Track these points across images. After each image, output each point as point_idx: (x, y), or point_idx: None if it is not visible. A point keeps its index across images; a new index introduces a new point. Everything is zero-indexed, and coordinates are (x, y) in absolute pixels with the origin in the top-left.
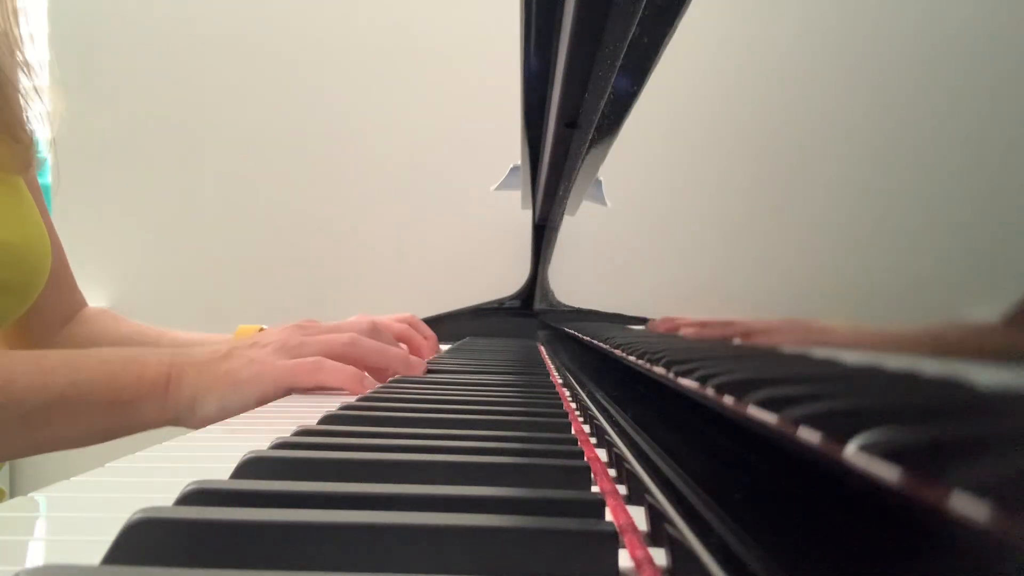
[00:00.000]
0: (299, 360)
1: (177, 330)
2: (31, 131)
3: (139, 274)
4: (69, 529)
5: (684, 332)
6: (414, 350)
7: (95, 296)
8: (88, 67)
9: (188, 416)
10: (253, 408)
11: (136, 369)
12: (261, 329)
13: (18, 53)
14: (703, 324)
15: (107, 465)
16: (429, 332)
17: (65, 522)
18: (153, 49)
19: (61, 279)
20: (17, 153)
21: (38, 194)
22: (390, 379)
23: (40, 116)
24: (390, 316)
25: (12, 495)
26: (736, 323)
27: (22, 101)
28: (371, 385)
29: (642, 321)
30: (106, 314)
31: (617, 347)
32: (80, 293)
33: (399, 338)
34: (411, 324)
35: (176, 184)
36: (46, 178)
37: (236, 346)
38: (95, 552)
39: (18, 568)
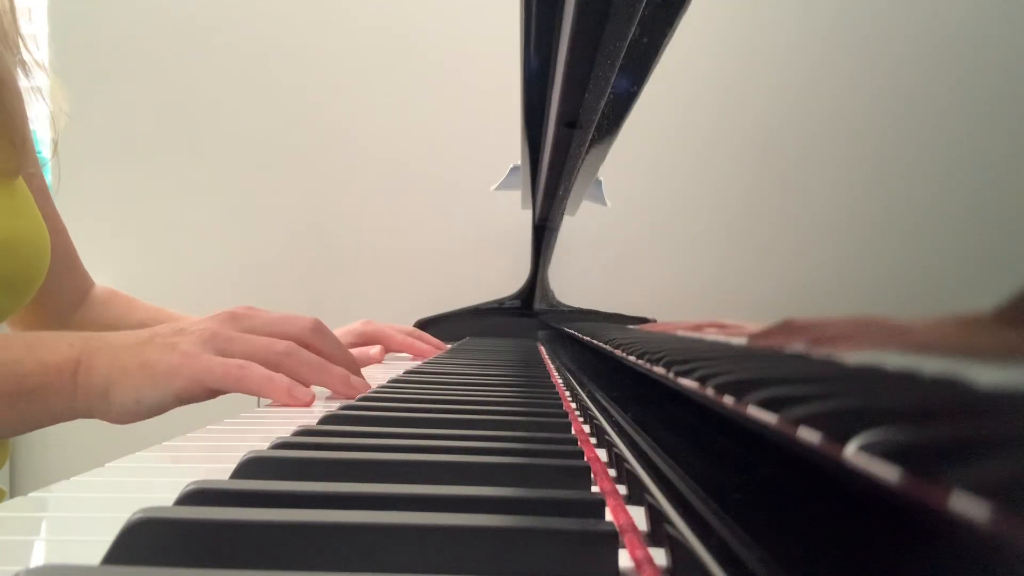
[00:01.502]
0: (225, 360)
1: (189, 316)
2: (30, 132)
3: (139, 274)
4: (69, 529)
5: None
6: (419, 356)
7: None
8: (88, 67)
9: (102, 408)
10: (172, 406)
11: (41, 354)
12: None
13: (17, 54)
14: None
15: (107, 465)
16: (434, 340)
17: (65, 522)
18: (153, 49)
19: (71, 263)
20: (11, 156)
21: (43, 191)
22: (390, 379)
23: (40, 117)
24: (390, 326)
25: (12, 495)
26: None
27: (22, 102)
28: (302, 395)
29: (642, 321)
30: (119, 296)
31: (617, 347)
32: (88, 274)
33: (399, 348)
34: (416, 338)
35: (176, 184)
36: (47, 178)
37: (158, 331)
38: (95, 552)
39: (18, 568)
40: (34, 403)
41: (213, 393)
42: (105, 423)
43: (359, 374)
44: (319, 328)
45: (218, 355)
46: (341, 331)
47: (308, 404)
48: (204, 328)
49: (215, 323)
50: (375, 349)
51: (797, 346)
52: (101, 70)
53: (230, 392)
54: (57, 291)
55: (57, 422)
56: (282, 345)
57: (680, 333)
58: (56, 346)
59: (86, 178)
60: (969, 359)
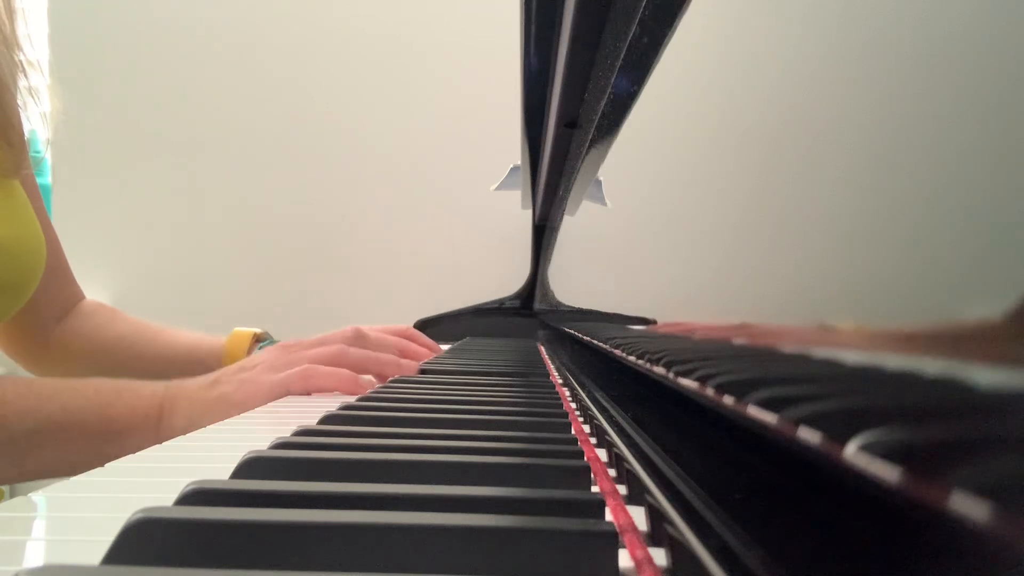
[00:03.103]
0: (289, 371)
1: (174, 328)
2: (26, 132)
3: (138, 274)
4: (69, 529)
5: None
6: (411, 358)
7: (95, 295)
8: (88, 67)
9: None
10: None
11: (130, 399)
12: (256, 333)
13: (15, 54)
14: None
15: (107, 465)
16: (427, 340)
17: (65, 522)
18: (153, 49)
19: (58, 273)
20: (9, 156)
21: (35, 192)
22: (390, 379)
23: (38, 116)
24: (382, 327)
25: (12, 495)
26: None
27: (20, 102)
28: (369, 385)
29: (642, 321)
30: (104, 309)
31: (617, 347)
32: (78, 286)
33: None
34: (408, 336)
35: (176, 185)
36: (46, 178)
37: (224, 372)
38: (95, 552)
39: (18, 568)
40: (121, 443)
41: None
42: None
43: (406, 360)
44: (358, 333)
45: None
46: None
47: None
48: (264, 360)
49: (271, 355)
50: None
51: (798, 346)
52: (100, 70)
53: (303, 392)
54: (44, 299)
55: None
56: (334, 348)
57: (693, 336)
58: (143, 392)
59: (86, 178)
60: (971, 360)
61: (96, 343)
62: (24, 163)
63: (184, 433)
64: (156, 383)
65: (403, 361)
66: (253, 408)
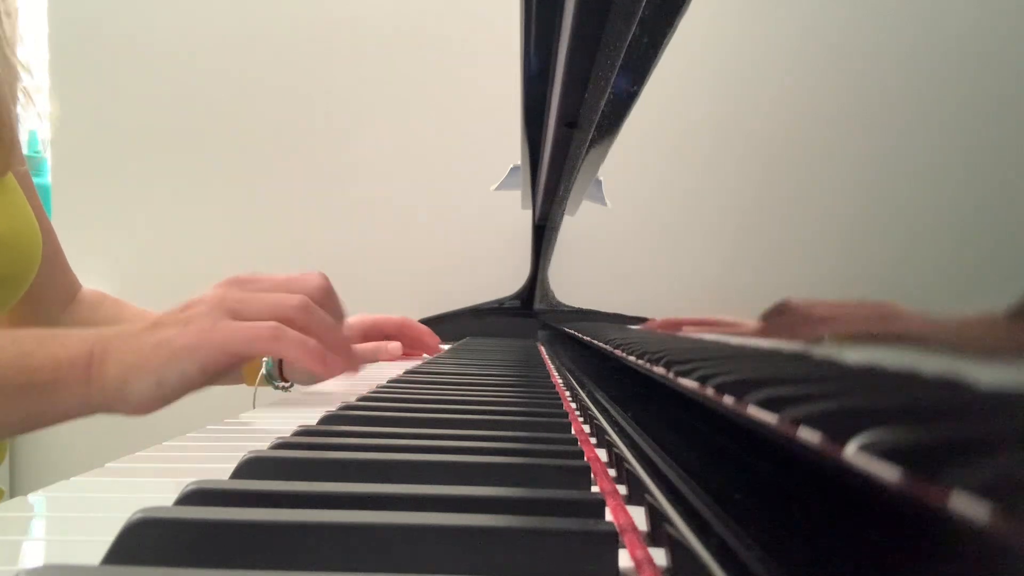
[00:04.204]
0: (255, 323)
1: None
2: (25, 132)
3: (138, 274)
4: (69, 529)
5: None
6: (415, 341)
7: None
8: (88, 67)
9: (119, 400)
10: (198, 383)
11: (53, 348)
12: None
13: (11, 55)
14: (707, 323)
15: (107, 465)
16: (425, 328)
17: (65, 522)
18: (153, 49)
19: (56, 263)
20: (0, 152)
21: (30, 187)
22: (389, 379)
23: (35, 116)
24: (381, 316)
25: (12, 495)
26: (740, 324)
27: (19, 100)
28: (334, 365)
29: (642, 321)
30: (107, 298)
31: (617, 347)
32: (74, 276)
33: (394, 332)
34: (405, 327)
35: (176, 184)
36: (46, 178)
37: (168, 312)
38: (95, 552)
39: (18, 568)
40: (46, 399)
41: (240, 360)
42: (111, 420)
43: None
44: (328, 288)
45: (234, 319)
46: (297, 277)
47: (332, 375)
48: (213, 296)
49: (222, 289)
50: (394, 344)
51: (797, 338)
52: (100, 70)
53: (259, 356)
54: (45, 290)
55: (72, 419)
56: (296, 299)
57: (680, 333)
58: (68, 340)
59: (84, 178)
60: (970, 358)
61: None
62: (15, 159)
63: (119, 385)
64: (89, 330)
65: (354, 354)
66: (202, 356)
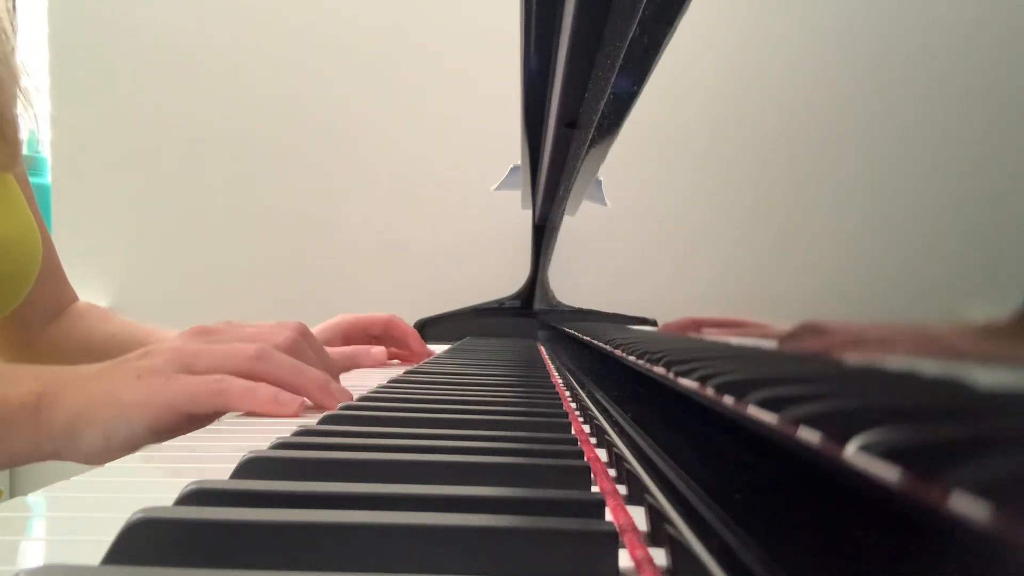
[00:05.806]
0: (201, 378)
1: (169, 329)
2: (25, 132)
3: (138, 274)
4: (69, 529)
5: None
6: (400, 342)
7: (94, 296)
8: (88, 67)
9: (69, 448)
10: (147, 440)
11: (2, 388)
12: None
13: (12, 53)
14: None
15: (107, 465)
16: (409, 329)
17: (65, 522)
18: (153, 49)
19: (50, 274)
20: (3, 151)
21: (28, 190)
22: (389, 379)
23: (34, 117)
24: (368, 315)
25: (12, 495)
26: (754, 325)
27: (19, 99)
28: (289, 402)
29: (642, 321)
30: (96, 310)
31: (617, 347)
32: (70, 288)
33: (380, 332)
34: (391, 327)
35: (176, 184)
36: (46, 178)
37: (127, 357)
38: (95, 552)
39: (18, 568)
40: None
41: (191, 419)
42: None
43: (337, 381)
44: (296, 340)
45: (187, 373)
46: (317, 329)
47: (296, 413)
48: (170, 348)
49: (181, 339)
50: (377, 349)
51: (799, 347)
52: (100, 70)
53: (209, 412)
54: (33, 299)
55: (21, 464)
56: (252, 348)
57: (688, 334)
58: (20, 379)
59: (85, 179)
60: (971, 360)
61: (85, 344)
62: (18, 159)
63: (68, 431)
64: (45, 368)
65: (334, 386)
66: (148, 414)
